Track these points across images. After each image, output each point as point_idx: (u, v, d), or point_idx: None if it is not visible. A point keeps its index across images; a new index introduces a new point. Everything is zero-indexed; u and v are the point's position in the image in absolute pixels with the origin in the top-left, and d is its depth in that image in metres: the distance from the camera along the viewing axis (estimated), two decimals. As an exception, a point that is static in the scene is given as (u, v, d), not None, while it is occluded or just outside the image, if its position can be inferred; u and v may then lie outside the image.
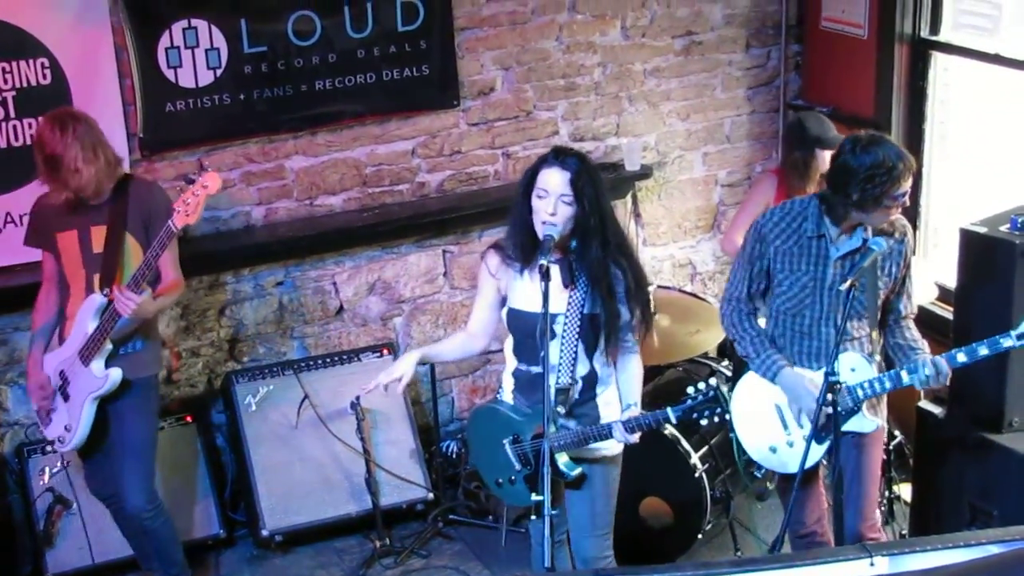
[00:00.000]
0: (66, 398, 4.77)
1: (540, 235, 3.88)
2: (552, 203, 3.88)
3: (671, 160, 6.45)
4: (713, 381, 3.84)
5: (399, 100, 5.76)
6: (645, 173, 6.24)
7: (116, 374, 4.65)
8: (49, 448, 5.17)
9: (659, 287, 5.74)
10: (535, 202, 3.92)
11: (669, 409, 3.87)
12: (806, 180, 5.17)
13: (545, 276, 3.77)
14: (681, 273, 6.67)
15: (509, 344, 4.13)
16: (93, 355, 4.63)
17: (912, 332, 4.23)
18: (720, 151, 6.58)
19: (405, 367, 4.05)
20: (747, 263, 4.24)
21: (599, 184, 3.91)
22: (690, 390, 3.87)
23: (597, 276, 3.92)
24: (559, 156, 3.93)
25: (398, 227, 5.86)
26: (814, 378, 4.10)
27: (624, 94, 6.22)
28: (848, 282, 3.91)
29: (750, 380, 4.30)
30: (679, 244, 6.63)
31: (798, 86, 6.50)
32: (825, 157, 4.87)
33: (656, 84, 6.28)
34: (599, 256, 3.89)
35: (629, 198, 6.28)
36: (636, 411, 3.99)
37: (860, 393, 4.14)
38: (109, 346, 4.63)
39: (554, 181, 3.90)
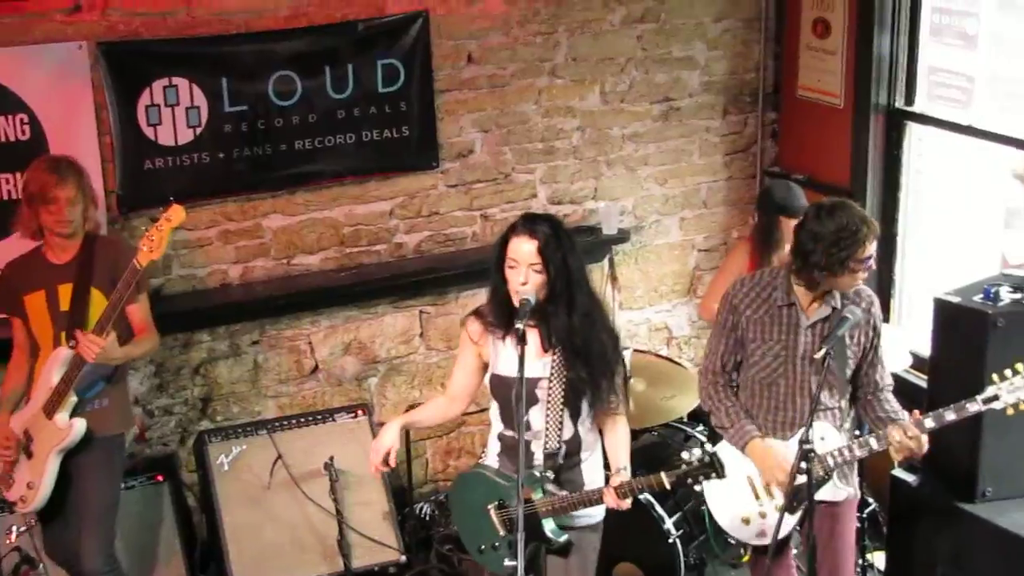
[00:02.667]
0: (29, 456, 4.71)
1: (516, 301, 3.89)
2: (523, 272, 3.89)
3: (648, 224, 6.49)
4: (709, 447, 3.86)
5: (379, 161, 5.79)
6: (622, 237, 6.28)
7: (80, 425, 4.59)
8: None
9: (635, 351, 5.74)
10: (507, 272, 3.93)
11: (663, 474, 3.88)
12: (770, 247, 5.19)
13: (521, 340, 3.77)
14: (657, 337, 6.69)
15: (495, 408, 4.13)
16: (57, 407, 4.57)
17: (892, 404, 4.26)
18: (697, 216, 6.62)
19: (389, 440, 4.05)
20: (721, 335, 4.28)
21: (570, 249, 3.91)
22: (685, 455, 3.85)
23: (568, 340, 3.91)
24: (527, 224, 3.94)
25: (375, 287, 5.84)
26: (785, 449, 4.15)
27: (602, 158, 6.27)
28: (823, 350, 3.94)
29: (723, 451, 4.30)
30: (655, 308, 6.66)
31: (775, 153, 6.57)
32: (789, 225, 4.85)
33: (634, 149, 6.34)
34: (567, 320, 3.89)
35: (606, 261, 6.24)
36: (626, 476, 3.99)
37: (831, 461, 4.17)
38: (74, 398, 4.58)
39: (523, 250, 3.90)
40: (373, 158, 5.76)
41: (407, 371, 6.15)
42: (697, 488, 3.95)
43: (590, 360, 3.94)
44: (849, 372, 4.20)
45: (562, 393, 3.96)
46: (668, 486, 3.86)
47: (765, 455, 4.17)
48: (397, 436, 4.04)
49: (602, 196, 6.34)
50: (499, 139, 5.99)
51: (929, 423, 4.01)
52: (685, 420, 5.66)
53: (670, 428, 5.59)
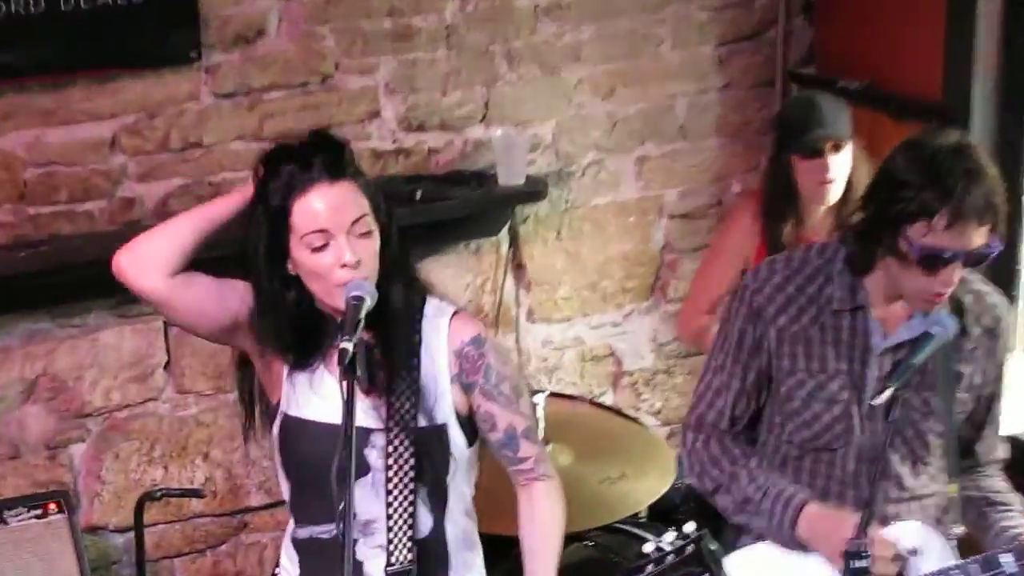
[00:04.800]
0: None
1: (334, 302, 3.47)
2: (343, 244, 3.46)
3: (581, 169, 6.00)
4: (690, 527, 3.39)
5: (90, 47, 5.26)
6: (534, 192, 5.76)
7: None
8: None
9: (552, 395, 5.17)
10: (306, 259, 3.48)
11: None
12: (782, 211, 5.01)
13: (349, 368, 3.29)
14: (595, 371, 6.23)
15: (285, 489, 3.76)
16: None
17: (994, 481, 4.01)
18: (668, 155, 6.13)
19: None
20: (727, 364, 3.95)
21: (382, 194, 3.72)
22: (648, 548, 3.36)
23: (405, 353, 3.57)
24: (316, 159, 3.47)
25: (83, 279, 5.22)
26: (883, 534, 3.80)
27: (498, 48, 5.80)
28: (886, 392, 3.47)
29: (742, 563, 3.87)
30: (592, 320, 6.15)
31: (808, 42, 6.19)
32: (814, 173, 4.81)
33: (556, 32, 5.87)
34: (414, 311, 3.60)
35: (504, 235, 5.81)
36: None
37: None
38: None
39: (334, 205, 3.48)
40: (80, 42, 5.22)
41: (140, 432, 5.57)
42: None
43: (476, 382, 3.68)
44: (958, 431, 3.91)
45: (410, 457, 3.60)
46: None
47: (830, 524, 3.74)
48: None
49: (498, 118, 5.83)
50: (312, 11, 5.56)
51: None
52: (643, 518, 5.12)
53: (616, 534, 4.98)
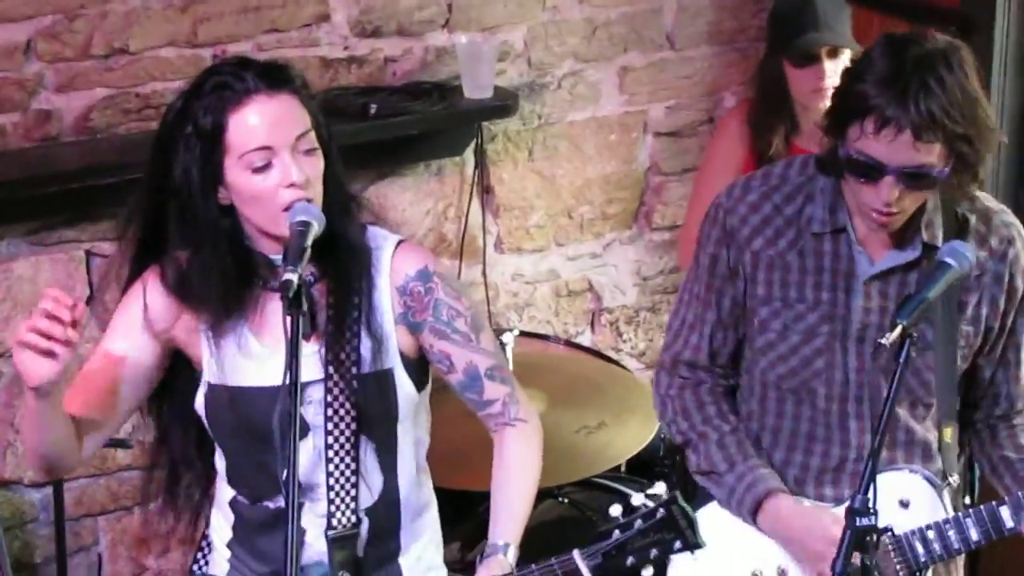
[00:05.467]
0: None
1: (278, 229, 3.34)
2: (288, 162, 3.33)
3: (556, 81, 5.88)
4: (660, 488, 3.38)
5: None
6: (503, 106, 5.58)
7: None
8: None
9: (524, 335, 5.12)
10: (245, 182, 3.34)
11: (577, 554, 3.38)
12: (774, 118, 4.85)
13: (293, 303, 3.19)
14: (573, 308, 6.09)
15: (219, 457, 3.67)
16: None
17: None
18: (654, 65, 5.97)
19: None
20: (706, 291, 3.88)
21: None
22: (615, 511, 3.33)
23: (354, 292, 3.47)
24: (247, 66, 3.35)
25: None
26: (832, 519, 3.73)
27: None
28: (897, 330, 3.26)
29: (710, 522, 3.76)
30: (568, 250, 6.01)
31: None
32: (803, 79, 4.71)
33: None
34: (360, 242, 3.48)
35: (470, 155, 5.66)
36: (504, 565, 3.52)
37: (921, 549, 3.71)
38: None
39: (273, 119, 3.34)
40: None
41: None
42: (647, 572, 3.39)
43: (428, 321, 3.57)
44: (959, 372, 3.79)
45: (351, 408, 3.48)
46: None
47: (801, 525, 3.74)
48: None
49: (463, 22, 5.64)
50: None
51: None
52: (623, 474, 5.02)
53: (592, 489, 4.90)
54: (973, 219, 3.81)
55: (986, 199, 3.89)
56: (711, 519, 3.91)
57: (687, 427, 3.98)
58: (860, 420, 3.81)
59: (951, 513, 3.82)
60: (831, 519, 3.80)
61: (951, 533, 3.75)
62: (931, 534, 3.76)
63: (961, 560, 4.02)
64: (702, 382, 4.03)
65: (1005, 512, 3.73)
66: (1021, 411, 3.96)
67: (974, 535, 3.73)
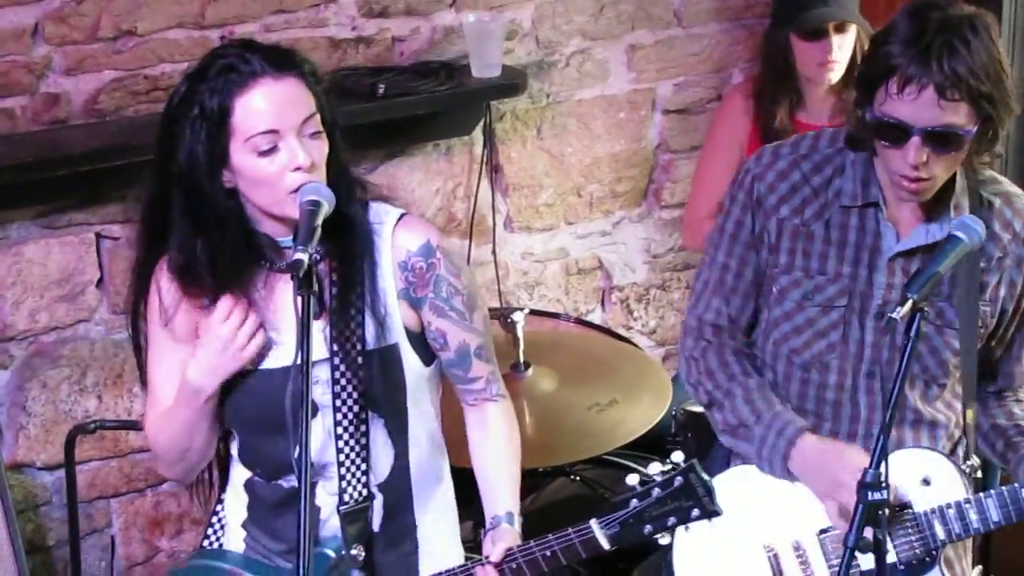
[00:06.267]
0: None
1: (284, 212, 3.36)
2: (294, 145, 3.35)
3: (564, 59, 5.84)
4: (678, 456, 3.40)
5: None
6: (512, 85, 5.55)
7: None
8: None
9: (534, 313, 5.24)
10: (251, 165, 3.35)
11: (595, 524, 3.40)
12: (779, 91, 4.87)
13: (304, 282, 3.21)
14: (583, 286, 6.08)
15: (234, 444, 3.72)
16: None
17: None
18: (663, 42, 5.97)
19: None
20: (727, 256, 3.90)
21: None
22: (632, 480, 3.37)
23: (359, 270, 3.49)
24: (252, 49, 3.35)
25: (4, 185, 5.00)
26: (865, 452, 3.73)
27: None
28: (907, 304, 3.28)
29: (731, 488, 3.80)
30: (577, 229, 6.02)
31: None
32: (809, 53, 4.74)
33: None
34: (363, 220, 3.48)
35: (478, 134, 5.65)
36: (513, 534, 3.54)
37: (940, 529, 3.70)
38: None
39: (280, 102, 3.35)
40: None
41: (69, 358, 5.33)
42: (663, 542, 3.43)
43: (425, 296, 3.61)
44: (977, 349, 3.82)
45: (357, 385, 3.50)
46: (607, 545, 3.39)
47: (833, 456, 3.69)
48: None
49: (470, 1, 5.63)
50: None
51: None
52: (636, 452, 4.94)
53: (604, 467, 4.93)
54: (998, 202, 3.80)
55: (1008, 183, 3.90)
56: (722, 492, 3.77)
57: (712, 387, 3.99)
58: (870, 395, 3.81)
59: (968, 493, 3.86)
60: (862, 455, 3.79)
61: (972, 513, 3.76)
62: (951, 513, 3.75)
63: (970, 543, 4.01)
64: (725, 344, 4.03)
65: None
66: (1016, 390, 3.99)
67: (995, 516, 3.73)
